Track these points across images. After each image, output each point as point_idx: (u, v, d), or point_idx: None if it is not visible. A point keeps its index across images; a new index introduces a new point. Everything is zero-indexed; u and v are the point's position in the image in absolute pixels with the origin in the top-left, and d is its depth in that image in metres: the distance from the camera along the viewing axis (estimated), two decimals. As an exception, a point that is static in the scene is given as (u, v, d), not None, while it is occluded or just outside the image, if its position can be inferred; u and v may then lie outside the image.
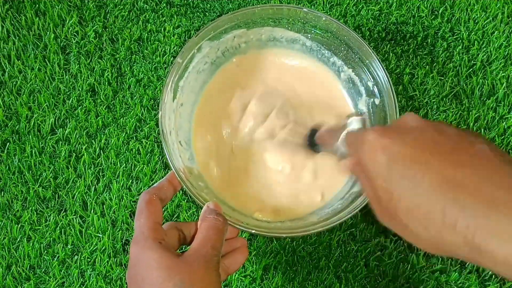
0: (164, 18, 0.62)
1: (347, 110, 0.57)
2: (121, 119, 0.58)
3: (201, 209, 0.44)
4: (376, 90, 0.54)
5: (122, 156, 0.56)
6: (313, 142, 0.50)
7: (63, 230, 0.53)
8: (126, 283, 0.52)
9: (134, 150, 0.56)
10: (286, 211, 0.53)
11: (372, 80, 0.54)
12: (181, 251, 0.41)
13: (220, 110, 0.56)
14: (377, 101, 0.54)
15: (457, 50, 0.61)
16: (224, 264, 0.45)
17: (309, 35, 0.57)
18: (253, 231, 0.47)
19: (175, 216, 0.54)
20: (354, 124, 0.42)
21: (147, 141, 0.57)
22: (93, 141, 0.57)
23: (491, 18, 0.62)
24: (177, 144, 0.51)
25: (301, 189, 0.54)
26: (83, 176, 0.55)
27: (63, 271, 0.52)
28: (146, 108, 0.58)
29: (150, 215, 0.42)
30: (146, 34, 0.61)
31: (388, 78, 0.52)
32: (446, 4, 0.63)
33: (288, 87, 0.57)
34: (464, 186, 0.30)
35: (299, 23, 0.56)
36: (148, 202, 0.43)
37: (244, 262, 0.47)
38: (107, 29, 0.61)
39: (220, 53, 0.57)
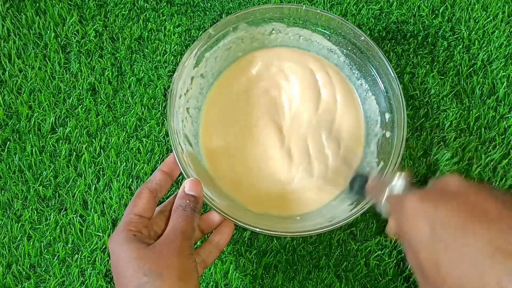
0: (165, 17, 0.62)
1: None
2: (122, 118, 0.58)
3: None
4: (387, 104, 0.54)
5: (122, 155, 0.56)
6: (357, 189, 0.49)
7: (63, 229, 0.54)
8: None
9: (134, 149, 0.56)
10: (292, 206, 0.53)
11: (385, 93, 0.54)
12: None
13: (236, 97, 0.57)
14: (387, 116, 0.54)
15: (458, 49, 0.61)
16: (211, 244, 0.46)
17: (345, 51, 0.56)
18: (254, 229, 0.47)
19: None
20: (397, 184, 0.41)
21: (147, 140, 0.57)
22: (93, 140, 0.57)
23: (491, 18, 0.62)
24: (183, 109, 0.52)
25: (308, 186, 0.54)
26: (83, 175, 0.55)
27: (63, 270, 0.52)
28: (146, 107, 0.58)
29: (132, 208, 0.43)
30: (147, 33, 0.61)
31: (400, 92, 0.52)
32: (447, 3, 0.63)
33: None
34: None
35: (339, 37, 0.55)
36: (135, 195, 0.44)
37: (231, 233, 0.48)
38: (108, 28, 0.61)
39: (254, 40, 0.57)
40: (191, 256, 0.40)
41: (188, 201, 0.43)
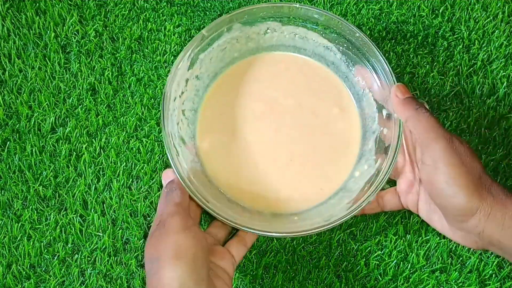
0: (165, 17, 0.62)
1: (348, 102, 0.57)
2: (122, 118, 0.58)
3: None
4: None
5: (122, 155, 0.56)
6: None
7: (63, 229, 0.54)
8: (126, 282, 0.52)
9: (134, 149, 0.56)
10: (290, 204, 0.53)
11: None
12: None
13: (233, 98, 0.57)
14: (385, 113, 0.54)
15: (458, 49, 0.61)
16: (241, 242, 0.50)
17: (341, 48, 0.56)
18: (250, 230, 0.47)
19: (175, 215, 0.54)
20: None
21: (147, 140, 0.57)
22: (93, 140, 0.57)
23: (491, 18, 0.62)
24: (179, 111, 0.52)
25: (306, 184, 0.54)
26: (83, 175, 0.55)
27: (63, 270, 0.52)
28: (146, 107, 0.58)
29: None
30: (147, 33, 0.61)
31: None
32: (447, 3, 0.63)
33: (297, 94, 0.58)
34: None
35: (335, 34, 0.55)
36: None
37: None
38: (108, 28, 0.61)
39: (249, 40, 0.57)
40: (186, 233, 0.42)
41: (168, 189, 0.47)
